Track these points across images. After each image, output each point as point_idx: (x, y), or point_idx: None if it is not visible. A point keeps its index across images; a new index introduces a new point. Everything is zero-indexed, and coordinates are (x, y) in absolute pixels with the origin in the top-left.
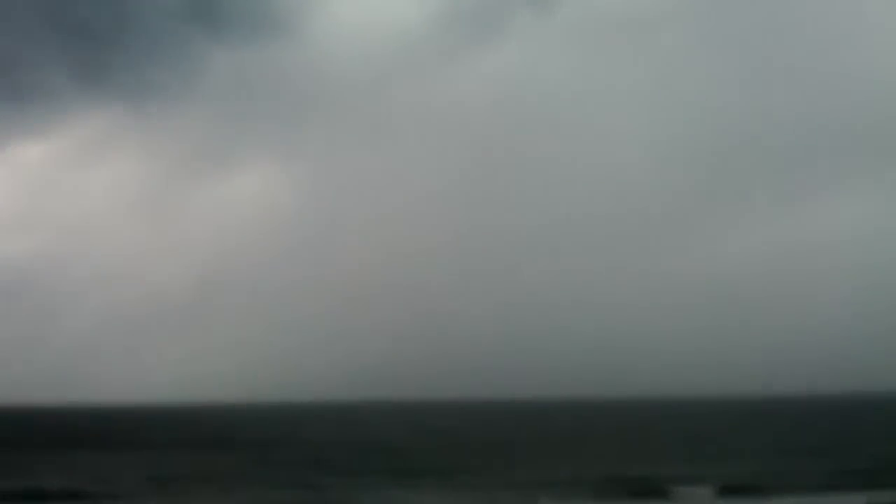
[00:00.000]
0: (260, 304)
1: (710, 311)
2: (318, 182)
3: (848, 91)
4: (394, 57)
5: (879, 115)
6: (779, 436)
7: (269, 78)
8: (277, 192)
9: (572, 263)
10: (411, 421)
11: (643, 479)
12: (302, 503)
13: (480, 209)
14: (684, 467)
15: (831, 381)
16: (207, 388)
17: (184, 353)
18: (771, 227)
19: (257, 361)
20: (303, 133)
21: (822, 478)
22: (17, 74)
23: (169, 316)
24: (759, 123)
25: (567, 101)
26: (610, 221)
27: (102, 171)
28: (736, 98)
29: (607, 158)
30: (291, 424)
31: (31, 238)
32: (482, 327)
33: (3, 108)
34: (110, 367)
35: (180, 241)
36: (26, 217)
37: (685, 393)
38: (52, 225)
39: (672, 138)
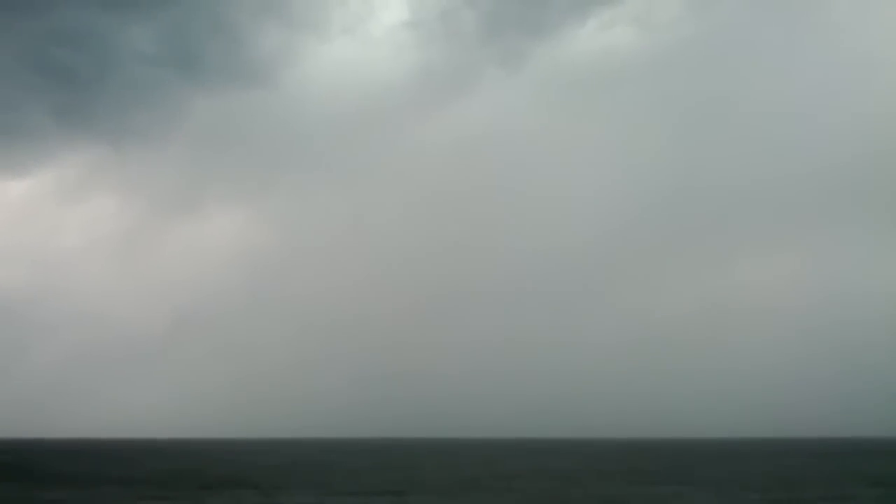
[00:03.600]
0: (230, 343)
1: (643, 357)
2: (289, 224)
3: (787, 157)
4: (367, 109)
5: (810, 183)
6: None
7: (246, 124)
8: (251, 233)
9: (520, 311)
10: (377, 460)
11: None
12: None
13: (440, 256)
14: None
15: (752, 425)
16: (174, 424)
17: (151, 390)
18: (702, 283)
19: (225, 398)
20: (277, 178)
21: None
22: (1, 114)
23: (139, 353)
24: (699, 181)
25: (529, 154)
26: (554, 273)
27: (81, 210)
28: (679, 155)
29: (559, 214)
30: (251, 462)
31: (9, 272)
32: (443, 369)
33: None
34: (77, 402)
35: (154, 279)
36: (4, 251)
37: (638, 434)
38: (29, 260)
39: (618, 192)
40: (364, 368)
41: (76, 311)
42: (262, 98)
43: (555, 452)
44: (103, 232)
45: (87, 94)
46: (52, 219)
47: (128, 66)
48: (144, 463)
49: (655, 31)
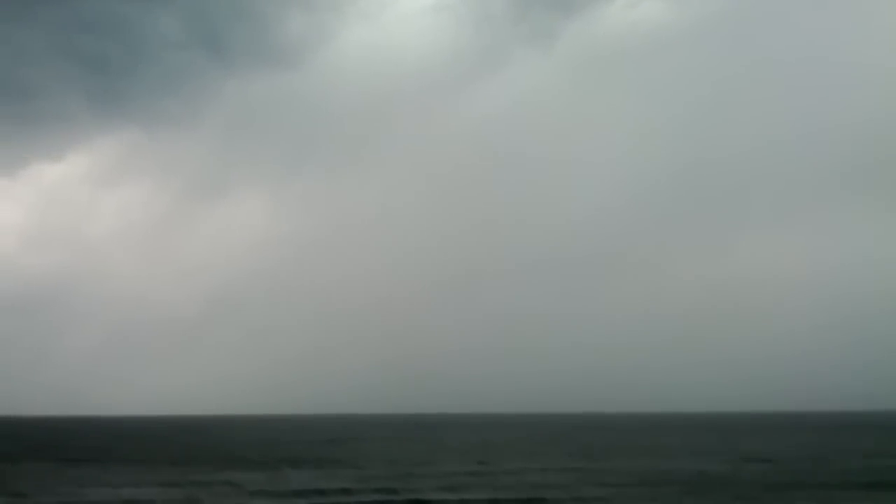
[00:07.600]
0: (261, 324)
1: (660, 335)
2: (320, 206)
3: (809, 134)
4: (398, 89)
5: (832, 154)
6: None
7: (276, 107)
8: (281, 217)
9: (539, 289)
10: (402, 434)
11: None
12: None
13: (465, 236)
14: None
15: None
16: (207, 402)
17: (185, 370)
18: (717, 257)
19: (257, 377)
20: (307, 160)
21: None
22: (37, 101)
23: (173, 335)
24: (721, 152)
25: (555, 130)
26: (573, 248)
27: (115, 194)
28: (700, 131)
29: (581, 190)
30: (280, 438)
31: (45, 257)
32: (465, 347)
33: (24, 132)
34: (114, 383)
35: (186, 263)
36: (42, 235)
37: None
38: (64, 244)
39: (637, 169)
40: (389, 349)
41: (111, 295)
42: (293, 80)
43: (579, 427)
44: (137, 215)
45: (119, 80)
46: (86, 202)
47: (157, 51)
48: (178, 439)
49: (683, 5)
